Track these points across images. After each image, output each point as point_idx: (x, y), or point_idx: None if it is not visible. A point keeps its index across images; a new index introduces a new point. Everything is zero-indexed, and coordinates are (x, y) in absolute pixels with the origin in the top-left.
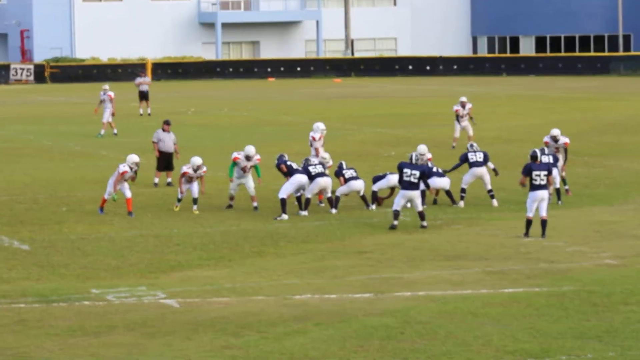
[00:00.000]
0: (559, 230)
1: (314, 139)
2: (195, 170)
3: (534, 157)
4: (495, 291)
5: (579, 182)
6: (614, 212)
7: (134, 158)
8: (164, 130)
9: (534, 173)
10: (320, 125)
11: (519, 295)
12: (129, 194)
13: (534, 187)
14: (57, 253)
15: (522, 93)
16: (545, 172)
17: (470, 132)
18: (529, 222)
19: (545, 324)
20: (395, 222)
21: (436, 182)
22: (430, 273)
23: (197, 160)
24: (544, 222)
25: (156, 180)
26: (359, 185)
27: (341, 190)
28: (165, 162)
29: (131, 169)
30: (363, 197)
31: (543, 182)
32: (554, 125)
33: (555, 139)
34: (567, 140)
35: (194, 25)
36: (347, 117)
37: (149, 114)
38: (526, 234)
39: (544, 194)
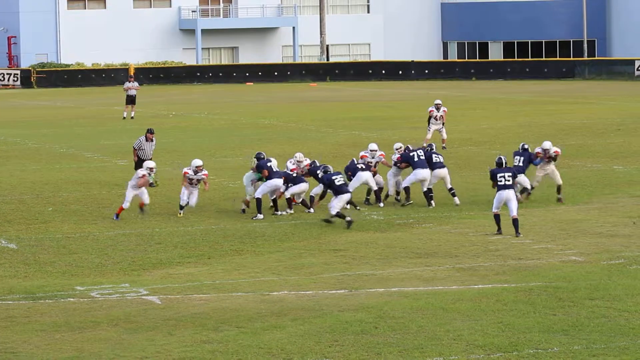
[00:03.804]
0: (527, 229)
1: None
2: (195, 172)
3: (499, 163)
4: (465, 287)
5: (545, 182)
6: (579, 211)
7: (149, 164)
8: (147, 139)
9: (499, 175)
10: (370, 146)
11: (488, 291)
12: (146, 199)
13: (500, 188)
14: (44, 251)
15: (491, 97)
16: (510, 174)
17: (444, 135)
18: (497, 217)
19: (513, 318)
20: (333, 220)
21: (438, 172)
22: (402, 270)
23: (197, 161)
24: (515, 221)
25: None
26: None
27: (315, 190)
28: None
29: (148, 174)
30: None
31: (509, 182)
32: (522, 128)
33: (547, 152)
34: (557, 149)
35: (175, 31)
36: (322, 120)
37: (132, 117)
38: (499, 230)
39: (509, 193)
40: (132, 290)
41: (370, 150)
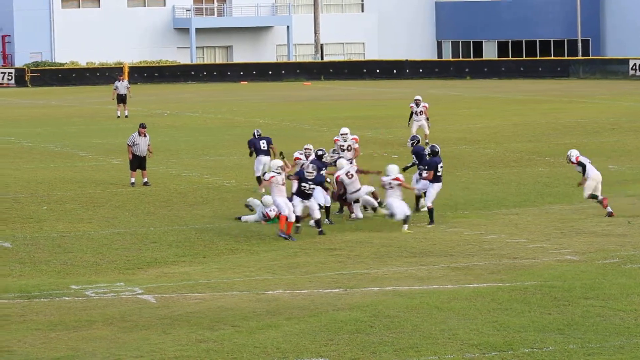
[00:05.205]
0: (521, 228)
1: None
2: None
3: (436, 152)
4: (460, 286)
5: (540, 182)
6: (574, 210)
7: (277, 163)
8: (140, 134)
9: (439, 166)
10: (341, 130)
11: (483, 290)
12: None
13: (438, 179)
14: (38, 250)
15: (485, 96)
16: (441, 165)
17: (427, 131)
18: (431, 211)
19: (508, 317)
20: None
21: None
22: (397, 269)
23: (345, 165)
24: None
25: (132, 180)
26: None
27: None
28: (137, 163)
29: (278, 173)
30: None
31: (440, 174)
32: (517, 127)
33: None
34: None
35: (169, 30)
36: (317, 119)
37: (126, 116)
38: (431, 221)
39: (439, 185)
40: (127, 289)
41: (342, 134)
